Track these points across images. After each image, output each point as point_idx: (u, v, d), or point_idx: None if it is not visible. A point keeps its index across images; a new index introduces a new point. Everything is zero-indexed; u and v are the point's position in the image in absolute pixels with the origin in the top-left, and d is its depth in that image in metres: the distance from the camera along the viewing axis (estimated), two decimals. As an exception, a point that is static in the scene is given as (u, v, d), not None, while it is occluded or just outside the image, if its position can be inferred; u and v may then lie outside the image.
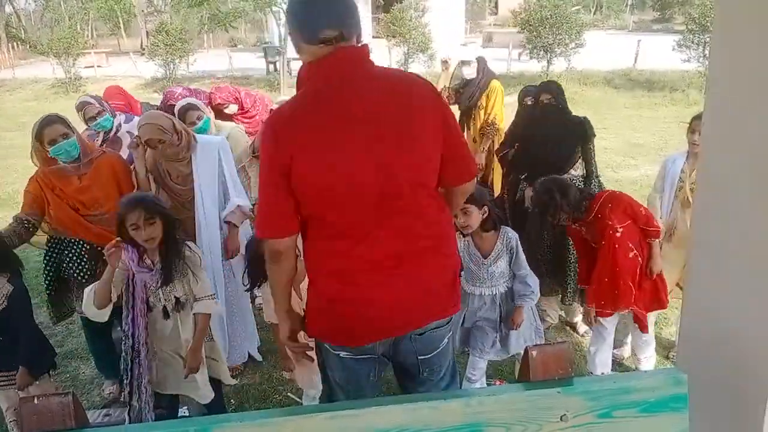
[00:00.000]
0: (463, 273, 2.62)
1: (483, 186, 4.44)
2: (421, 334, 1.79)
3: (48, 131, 2.78)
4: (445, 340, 1.86)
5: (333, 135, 1.59)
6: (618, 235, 2.88)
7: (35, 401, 0.97)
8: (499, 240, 2.79)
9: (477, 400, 1.04)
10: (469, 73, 5.11)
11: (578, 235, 3.12)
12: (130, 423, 2.50)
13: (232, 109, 4.59)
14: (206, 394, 2.63)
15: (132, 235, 2.38)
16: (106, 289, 2.37)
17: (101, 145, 3.61)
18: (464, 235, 2.78)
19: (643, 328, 3.09)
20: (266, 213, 1.69)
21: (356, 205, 1.62)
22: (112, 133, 3.78)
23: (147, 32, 23.28)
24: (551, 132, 3.64)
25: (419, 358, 1.82)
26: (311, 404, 2.83)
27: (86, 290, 2.42)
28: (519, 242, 2.83)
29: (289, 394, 3.23)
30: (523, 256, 2.84)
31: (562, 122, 3.68)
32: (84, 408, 1.03)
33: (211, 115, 4.11)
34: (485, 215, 2.70)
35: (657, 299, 3.06)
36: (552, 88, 3.79)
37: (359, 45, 1.66)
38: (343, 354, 1.80)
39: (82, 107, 3.74)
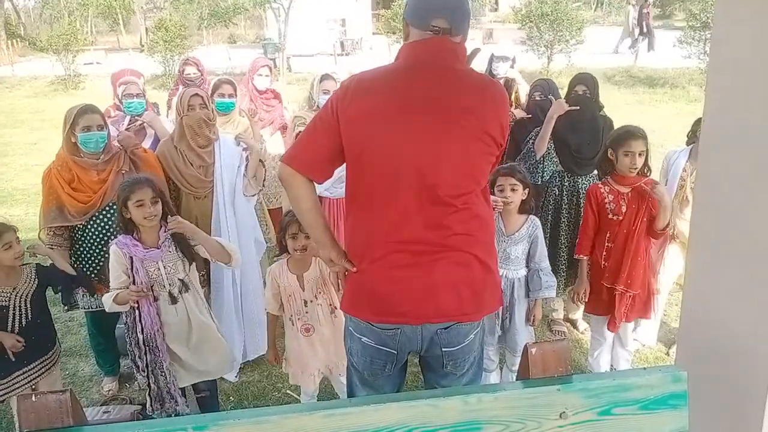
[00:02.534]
0: None
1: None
2: (447, 328, 1.80)
3: (85, 118, 2.83)
4: (471, 335, 1.86)
5: (388, 110, 1.69)
6: (646, 218, 2.88)
7: (33, 398, 0.97)
8: (525, 225, 2.84)
9: (476, 398, 1.04)
10: (502, 70, 4.52)
11: (597, 197, 2.96)
12: (152, 406, 2.60)
13: (264, 81, 4.52)
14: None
15: (135, 213, 2.42)
16: (125, 300, 2.46)
17: (126, 130, 3.69)
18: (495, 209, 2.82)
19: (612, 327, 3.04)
20: (299, 142, 1.84)
21: (392, 184, 1.69)
22: (139, 122, 3.79)
23: (146, 29, 23.21)
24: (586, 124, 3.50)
25: (443, 350, 1.83)
26: (309, 402, 2.82)
27: (105, 296, 2.50)
28: (542, 234, 2.87)
29: (288, 391, 3.23)
30: (544, 249, 2.87)
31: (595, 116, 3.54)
32: (82, 405, 1.03)
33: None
34: (525, 197, 2.82)
35: (644, 307, 3.03)
36: (587, 79, 3.59)
37: (455, 41, 1.74)
38: (365, 340, 1.85)
39: (125, 82, 3.83)
